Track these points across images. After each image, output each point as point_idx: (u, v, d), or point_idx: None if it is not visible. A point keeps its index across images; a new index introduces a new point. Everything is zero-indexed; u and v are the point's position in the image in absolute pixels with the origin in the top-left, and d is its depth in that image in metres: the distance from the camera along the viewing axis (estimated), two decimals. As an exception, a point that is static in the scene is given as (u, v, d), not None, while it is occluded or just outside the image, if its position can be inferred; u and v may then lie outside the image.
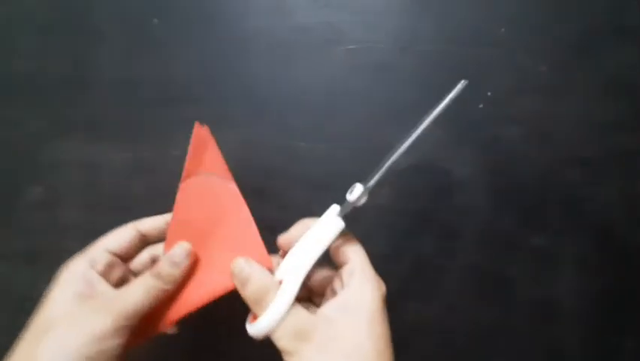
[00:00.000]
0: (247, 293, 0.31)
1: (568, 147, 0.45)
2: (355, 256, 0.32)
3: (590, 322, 0.44)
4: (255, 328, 0.30)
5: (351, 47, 0.46)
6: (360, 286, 0.31)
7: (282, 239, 0.34)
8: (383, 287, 0.32)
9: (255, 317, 0.30)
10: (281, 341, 0.29)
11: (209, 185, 0.34)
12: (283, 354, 0.30)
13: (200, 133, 0.35)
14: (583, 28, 0.46)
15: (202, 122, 0.35)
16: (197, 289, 0.33)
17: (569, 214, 0.45)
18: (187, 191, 0.34)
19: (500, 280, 0.44)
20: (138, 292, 0.31)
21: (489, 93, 0.45)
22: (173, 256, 0.32)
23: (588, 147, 0.45)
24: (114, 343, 0.29)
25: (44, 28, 0.47)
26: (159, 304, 0.32)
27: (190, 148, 0.34)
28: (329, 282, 0.34)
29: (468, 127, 0.45)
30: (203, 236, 0.34)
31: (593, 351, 0.44)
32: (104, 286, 0.33)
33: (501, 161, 0.45)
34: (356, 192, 0.33)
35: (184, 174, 0.34)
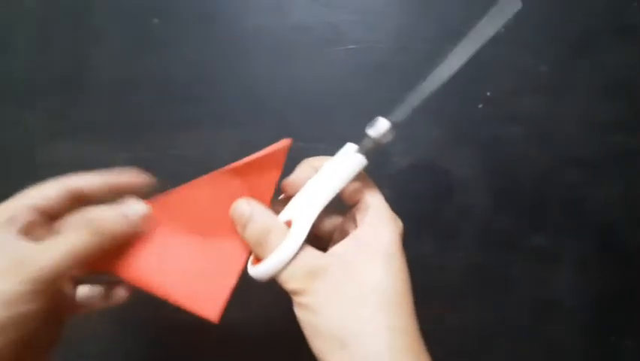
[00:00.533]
0: (248, 234, 0.28)
1: (568, 147, 0.45)
2: (369, 193, 0.30)
3: (590, 322, 0.44)
4: (259, 269, 0.27)
5: (351, 46, 0.46)
6: (376, 223, 0.28)
7: (288, 181, 0.30)
8: (400, 224, 0.29)
9: (258, 260, 0.28)
10: (290, 283, 0.27)
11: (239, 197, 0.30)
12: (292, 295, 0.27)
13: (280, 152, 0.29)
14: (583, 28, 0.46)
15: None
16: (160, 274, 0.29)
17: (568, 214, 0.45)
18: (218, 181, 0.30)
19: (500, 280, 0.44)
20: (61, 250, 0.25)
21: (489, 93, 0.45)
22: (126, 208, 0.28)
23: (588, 147, 0.45)
24: (29, 308, 0.24)
25: (44, 28, 0.46)
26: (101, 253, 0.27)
27: (263, 154, 0.29)
28: (338, 228, 0.31)
29: (468, 127, 0.45)
30: (194, 227, 0.30)
31: (593, 351, 0.44)
32: (17, 243, 0.26)
33: (501, 161, 0.45)
34: (381, 127, 0.27)
35: (233, 166, 0.29)
